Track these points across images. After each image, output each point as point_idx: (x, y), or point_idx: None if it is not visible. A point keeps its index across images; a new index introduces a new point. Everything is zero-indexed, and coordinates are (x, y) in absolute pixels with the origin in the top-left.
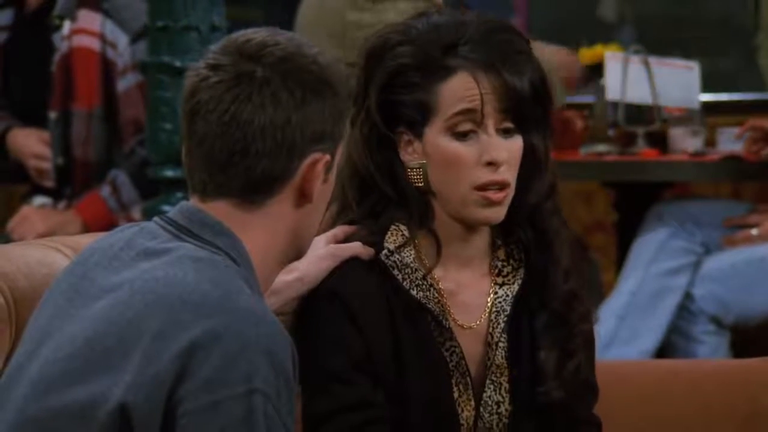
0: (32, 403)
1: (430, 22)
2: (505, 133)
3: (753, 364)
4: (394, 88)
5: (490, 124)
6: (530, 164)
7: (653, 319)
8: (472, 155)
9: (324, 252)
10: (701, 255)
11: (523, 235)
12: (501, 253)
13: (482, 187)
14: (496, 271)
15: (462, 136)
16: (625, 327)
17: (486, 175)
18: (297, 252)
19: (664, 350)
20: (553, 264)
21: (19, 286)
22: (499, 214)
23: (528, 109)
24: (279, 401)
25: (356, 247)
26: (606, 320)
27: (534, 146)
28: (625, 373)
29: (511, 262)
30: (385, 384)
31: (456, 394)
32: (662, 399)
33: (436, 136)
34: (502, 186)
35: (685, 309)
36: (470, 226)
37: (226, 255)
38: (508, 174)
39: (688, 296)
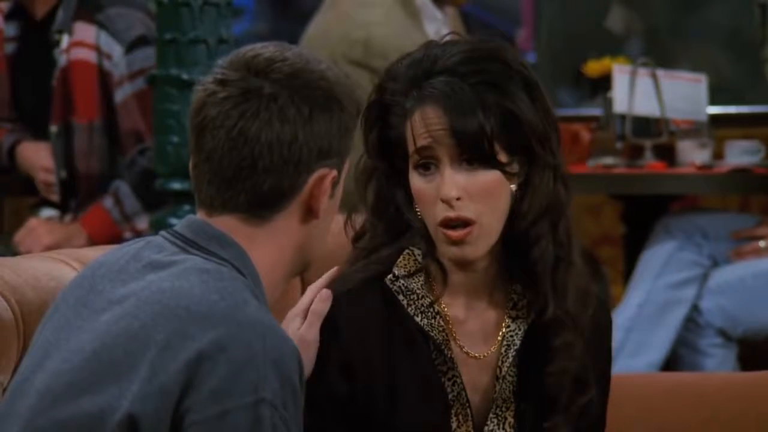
0: (39, 415)
1: (416, 56)
2: (470, 167)
3: (760, 377)
4: (385, 126)
5: (445, 160)
6: (521, 191)
7: (660, 331)
8: (431, 192)
9: (291, 314)
10: (709, 268)
11: (516, 263)
12: (518, 287)
13: (443, 224)
14: (511, 304)
15: (425, 172)
16: (632, 339)
17: (442, 212)
18: (303, 266)
19: (671, 363)
20: (538, 286)
21: (27, 299)
22: (465, 252)
23: (485, 146)
24: (286, 411)
25: (305, 303)
26: (613, 332)
27: (527, 176)
28: (632, 386)
29: (528, 295)
30: (376, 413)
31: (454, 425)
32: (669, 412)
33: (410, 172)
34: (463, 223)
35: (693, 322)
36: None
37: (232, 266)
38: (470, 209)
39: (695, 309)
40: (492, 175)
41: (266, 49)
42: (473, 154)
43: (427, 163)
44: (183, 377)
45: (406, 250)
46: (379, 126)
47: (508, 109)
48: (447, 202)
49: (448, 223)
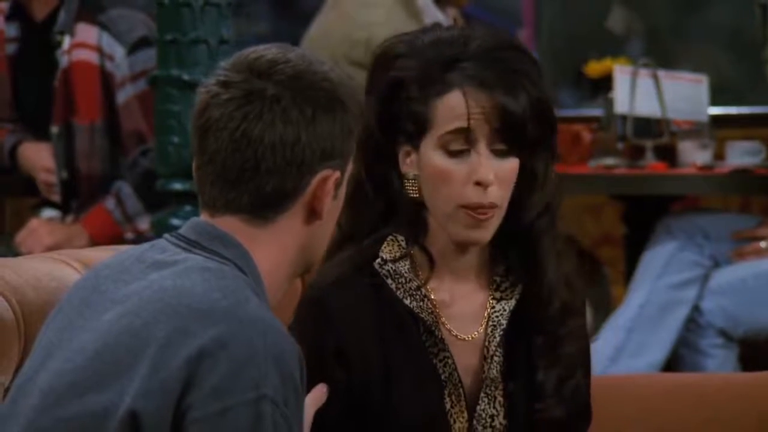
0: (42, 414)
1: (437, 35)
2: (499, 153)
3: (761, 377)
4: (394, 100)
5: (482, 144)
6: (526, 183)
7: (661, 332)
8: (461, 173)
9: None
10: (710, 268)
11: (513, 253)
12: (501, 269)
13: (471, 207)
14: (495, 285)
15: (454, 154)
16: (633, 340)
17: (474, 196)
18: (306, 266)
19: (671, 363)
20: (542, 282)
21: (28, 299)
22: (483, 235)
23: (524, 131)
24: (287, 408)
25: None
26: (614, 333)
27: (533, 168)
28: (633, 386)
29: (510, 277)
30: (373, 399)
31: (448, 405)
32: (670, 412)
33: (429, 151)
34: (489, 207)
35: (694, 322)
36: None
37: (233, 265)
38: (498, 195)
39: (696, 309)
40: (515, 163)
41: (269, 50)
42: (513, 139)
43: (457, 149)
44: (184, 374)
45: (390, 237)
46: (390, 100)
47: (538, 97)
48: (483, 185)
49: (476, 207)
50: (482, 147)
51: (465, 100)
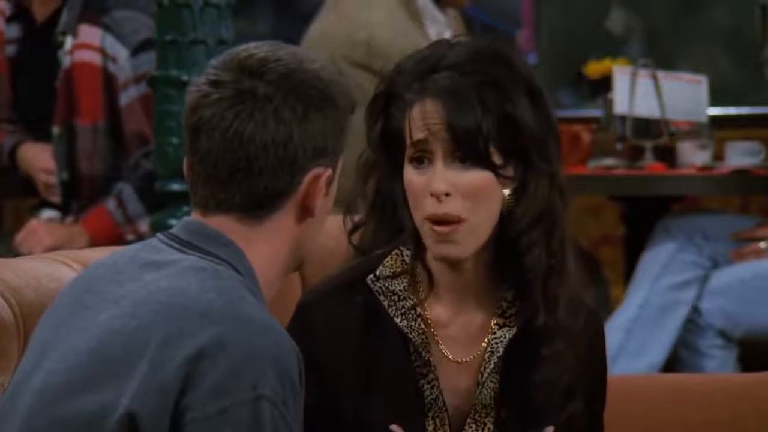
0: (38, 414)
1: (424, 52)
2: (459, 165)
3: (761, 378)
4: (388, 118)
5: (438, 155)
6: (514, 197)
7: (661, 332)
8: (421, 185)
9: None
10: (709, 269)
11: (506, 269)
12: (509, 295)
13: (430, 219)
14: (500, 311)
15: (418, 165)
16: (632, 340)
17: (430, 207)
18: (297, 263)
19: (671, 364)
20: (532, 299)
21: (27, 300)
22: (455, 251)
23: (475, 146)
24: (285, 408)
25: None
26: (614, 334)
27: (525, 180)
28: (633, 387)
29: (517, 304)
30: (344, 412)
31: (431, 428)
32: (670, 413)
33: (405, 165)
34: (447, 220)
35: (693, 323)
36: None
37: (228, 265)
38: (460, 206)
39: (695, 310)
40: (484, 176)
41: (259, 49)
42: (467, 151)
43: (421, 157)
44: (182, 374)
45: (395, 251)
46: (383, 117)
47: (507, 112)
48: (436, 197)
49: (435, 219)
50: (438, 158)
51: (424, 112)
